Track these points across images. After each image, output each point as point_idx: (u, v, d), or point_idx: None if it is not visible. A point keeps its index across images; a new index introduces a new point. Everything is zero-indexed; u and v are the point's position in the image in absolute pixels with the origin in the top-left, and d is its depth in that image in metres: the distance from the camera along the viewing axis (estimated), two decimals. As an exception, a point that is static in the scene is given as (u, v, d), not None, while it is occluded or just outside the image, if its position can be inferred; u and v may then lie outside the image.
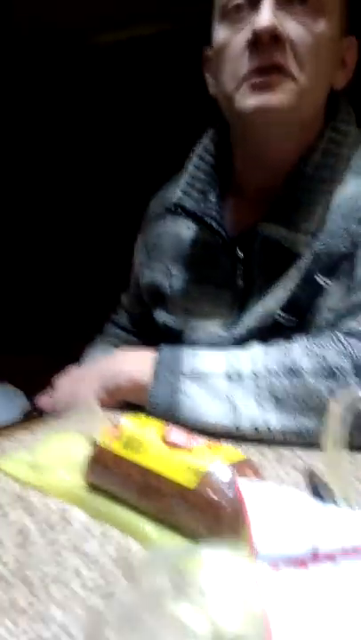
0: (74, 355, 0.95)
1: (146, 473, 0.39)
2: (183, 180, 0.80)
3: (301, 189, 0.70)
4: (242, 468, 0.38)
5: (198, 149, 0.82)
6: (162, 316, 0.86)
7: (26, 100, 1.84)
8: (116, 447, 0.42)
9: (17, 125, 1.83)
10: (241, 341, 0.72)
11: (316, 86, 0.69)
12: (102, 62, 1.63)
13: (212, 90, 0.77)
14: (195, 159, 0.81)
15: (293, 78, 0.65)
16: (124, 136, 1.73)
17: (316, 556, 0.23)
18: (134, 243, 0.97)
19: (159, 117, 1.50)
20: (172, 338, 0.82)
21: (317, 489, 0.36)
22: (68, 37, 1.61)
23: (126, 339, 1.00)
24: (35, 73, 1.77)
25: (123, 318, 1.03)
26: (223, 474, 0.37)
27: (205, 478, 0.37)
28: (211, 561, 0.27)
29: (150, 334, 0.91)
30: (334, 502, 0.31)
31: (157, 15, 1.36)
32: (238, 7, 0.66)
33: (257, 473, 0.38)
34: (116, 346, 0.98)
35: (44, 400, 0.75)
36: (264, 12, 0.63)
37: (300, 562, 0.24)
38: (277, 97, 0.65)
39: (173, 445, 0.40)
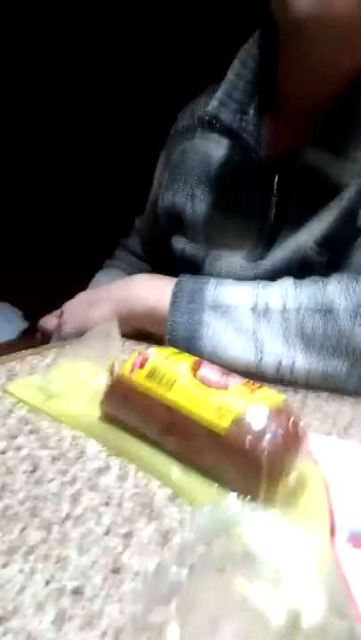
0: (78, 274, 0.90)
1: (171, 409, 0.36)
2: (222, 88, 0.72)
3: (353, 116, 0.63)
4: (281, 414, 0.34)
5: (242, 55, 0.73)
6: (180, 243, 0.80)
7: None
8: (139, 377, 0.38)
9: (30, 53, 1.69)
10: (266, 276, 0.67)
11: None
12: None
13: None
14: (237, 66, 0.72)
15: None
16: (146, 60, 1.59)
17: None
18: (150, 165, 0.90)
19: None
20: (190, 268, 0.77)
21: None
22: None
23: (137, 265, 0.95)
24: None
25: (135, 243, 0.98)
26: (259, 419, 0.33)
27: (241, 422, 0.33)
28: (280, 532, 0.23)
29: (164, 263, 0.85)
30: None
31: None
32: None
33: (297, 423, 0.35)
34: (127, 272, 0.93)
35: (49, 321, 0.72)
36: None
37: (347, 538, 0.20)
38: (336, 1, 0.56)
39: (205, 381, 0.36)
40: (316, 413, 0.49)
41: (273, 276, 0.66)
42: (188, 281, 0.60)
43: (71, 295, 0.69)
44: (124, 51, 1.68)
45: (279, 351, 0.53)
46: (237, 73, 0.72)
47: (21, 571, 0.27)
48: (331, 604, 0.17)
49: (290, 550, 0.20)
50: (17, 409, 0.43)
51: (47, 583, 0.26)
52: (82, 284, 0.88)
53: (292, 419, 0.34)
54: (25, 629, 0.24)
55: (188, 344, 0.55)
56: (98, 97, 1.76)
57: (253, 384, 0.36)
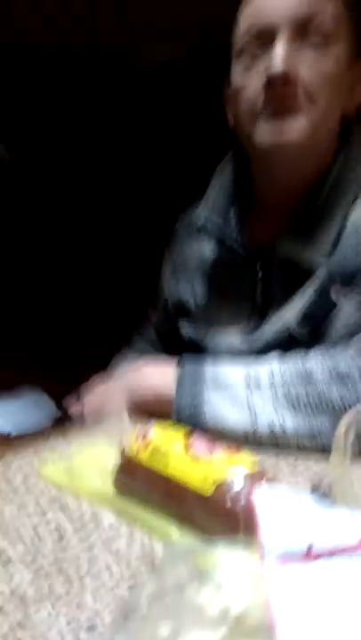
0: (97, 363, 1.01)
1: (168, 481, 0.44)
2: (205, 204, 0.86)
3: (317, 210, 0.75)
4: (256, 477, 0.42)
5: (217, 175, 0.88)
6: (186, 329, 0.91)
7: (41, 129, 1.91)
8: (143, 457, 0.47)
9: (57, 144, 1.91)
10: (259, 353, 0.76)
11: (328, 118, 0.73)
12: (136, 82, 1.70)
13: (231, 123, 0.82)
14: (216, 184, 0.87)
15: (305, 115, 0.70)
16: (151, 155, 1.79)
17: (313, 553, 0.27)
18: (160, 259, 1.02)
19: (184, 136, 1.56)
20: (195, 349, 0.87)
21: (320, 495, 0.40)
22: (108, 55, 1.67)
23: (152, 351, 1.06)
24: (75, 88, 1.83)
25: (150, 331, 1.09)
26: (238, 483, 0.41)
27: (221, 487, 0.41)
28: (225, 556, 0.31)
29: (175, 347, 0.96)
30: (333, 507, 0.34)
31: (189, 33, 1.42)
32: (253, 51, 0.71)
33: (270, 479, 0.42)
34: (143, 356, 1.03)
35: (73, 407, 0.81)
36: (277, 59, 0.68)
37: (300, 557, 0.28)
38: (291, 133, 0.70)
39: (195, 456, 0.45)
40: (307, 472, 0.55)
41: (265, 349, 0.76)
42: (189, 364, 0.69)
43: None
44: (138, 159, 1.87)
45: (271, 417, 0.61)
46: (216, 190, 0.86)
47: (49, 614, 0.35)
48: (256, 602, 0.24)
49: (231, 568, 0.28)
50: (48, 490, 0.52)
51: (68, 623, 0.34)
52: (103, 367, 0.99)
53: (265, 477, 0.42)
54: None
55: (194, 421, 0.63)
56: (113, 198, 1.94)
57: (234, 451, 0.45)
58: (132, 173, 1.88)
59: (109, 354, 1.08)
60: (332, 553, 0.27)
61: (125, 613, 0.30)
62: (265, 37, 0.70)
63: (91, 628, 0.33)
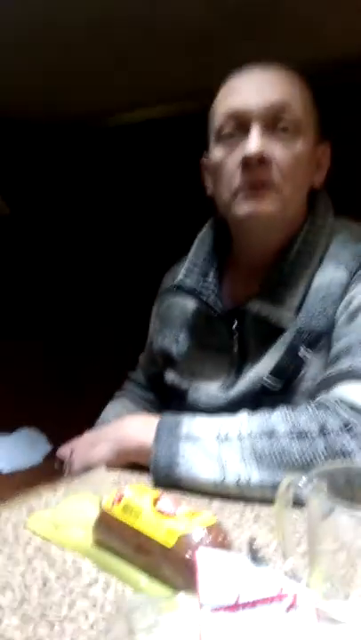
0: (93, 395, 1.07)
1: (138, 534, 0.51)
2: (186, 263, 0.95)
3: (285, 272, 0.83)
4: (212, 531, 0.49)
5: (198, 239, 0.96)
6: (170, 377, 0.99)
7: (39, 184, 2.02)
8: (116, 511, 0.53)
9: (34, 208, 2.00)
10: (235, 402, 0.84)
11: (298, 193, 0.83)
12: (112, 144, 1.81)
13: (209, 192, 0.91)
14: (195, 247, 0.96)
15: (278, 190, 0.79)
16: (137, 215, 1.88)
17: (240, 604, 0.34)
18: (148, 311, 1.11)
19: (170, 197, 1.66)
20: (177, 396, 0.95)
21: (254, 553, 0.47)
22: (80, 121, 1.79)
23: (141, 395, 1.13)
24: (51, 157, 1.94)
25: (139, 376, 1.16)
26: (196, 536, 0.48)
27: (181, 540, 0.48)
28: (179, 605, 0.38)
29: (163, 391, 1.03)
30: (265, 564, 0.41)
31: (168, 98, 1.53)
32: (231, 133, 0.81)
33: (225, 537, 0.49)
34: (133, 401, 1.11)
35: (64, 452, 0.87)
36: (253, 141, 0.77)
37: (229, 607, 0.35)
38: (265, 206, 0.79)
39: (161, 512, 0.51)
40: (266, 526, 0.62)
41: (240, 402, 0.83)
42: (167, 419, 0.76)
43: (87, 417, 0.84)
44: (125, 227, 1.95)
45: (238, 470, 0.67)
46: (196, 251, 0.95)
47: (32, 655, 0.41)
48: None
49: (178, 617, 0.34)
50: (33, 539, 0.58)
51: (48, 662, 0.40)
52: (96, 405, 1.06)
53: (222, 534, 0.49)
54: None
55: (168, 472, 0.70)
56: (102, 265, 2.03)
57: (196, 511, 0.51)
58: (121, 231, 1.97)
59: (104, 390, 1.15)
60: (255, 603, 0.34)
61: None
62: (242, 122, 0.80)
63: (66, 667, 0.40)
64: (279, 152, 0.79)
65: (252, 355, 0.85)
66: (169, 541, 0.48)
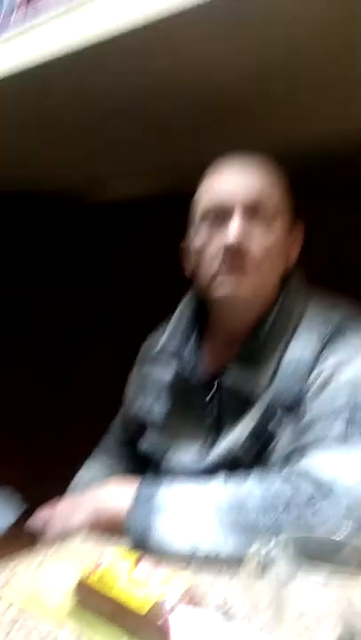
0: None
1: (113, 603, 0.53)
2: (167, 329, 1.00)
3: (258, 347, 0.89)
4: (186, 596, 0.52)
5: (181, 307, 1.02)
6: (144, 445, 1.01)
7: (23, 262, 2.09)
8: (92, 581, 0.56)
9: (16, 287, 2.06)
10: (209, 469, 0.87)
11: (272, 274, 0.91)
12: (98, 223, 1.91)
13: (188, 274, 0.98)
14: (177, 315, 1.01)
15: (253, 275, 0.87)
16: (120, 292, 1.96)
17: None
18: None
19: (152, 275, 1.75)
20: (151, 462, 0.98)
21: (227, 610, 0.50)
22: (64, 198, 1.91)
23: (112, 463, 1.14)
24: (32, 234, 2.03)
25: (112, 443, 1.18)
26: (169, 603, 0.51)
27: (154, 607, 0.51)
28: None
29: (136, 459, 1.06)
30: (236, 620, 0.44)
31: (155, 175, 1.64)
32: (212, 221, 0.90)
33: (196, 601, 0.52)
34: (105, 467, 1.11)
35: (38, 521, 0.88)
36: (232, 233, 0.86)
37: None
38: (242, 289, 0.87)
39: (136, 580, 0.54)
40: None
41: (214, 469, 0.86)
42: (143, 488, 0.78)
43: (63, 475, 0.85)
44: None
45: (209, 542, 0.70)
46: (176, 322, 1.00)
47: None
48: None
49: None
50: (10, 610, 0.60)
51: None
52: (72, 464, 1.06)
53: (196, 598, 0.52)
54: None
55: (142, 542, 0.72)
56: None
57: (172, 574, 0.54)
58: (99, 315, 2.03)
59: (81, 449, 1.16)
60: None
61: None
62: (223, 213, 0.89)
63: None
64: (256, 241, 0.87)
65: (227, 425, 0.89)
66: (143, 609, 0.51)
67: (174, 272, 1.04)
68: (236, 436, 0.87)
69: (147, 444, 1.01)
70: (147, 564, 0.57)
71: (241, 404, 0.88)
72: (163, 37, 0.81)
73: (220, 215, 0.89)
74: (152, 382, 1.04)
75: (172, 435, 0.97)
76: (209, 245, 0.90)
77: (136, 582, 0.54)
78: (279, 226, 0.90)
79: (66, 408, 2.05)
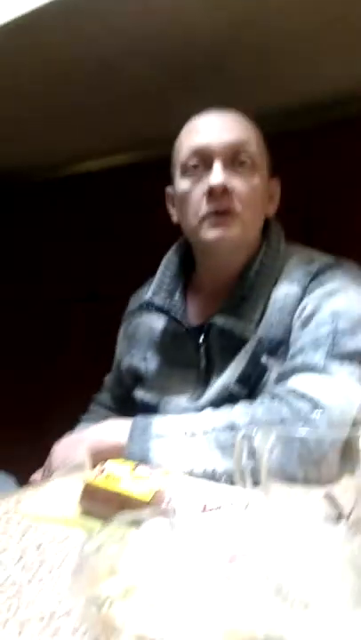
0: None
1: (119, 496, 0.59)
2: (153, 283, 1.05)
3: (246, 289, 0.94)
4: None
5: (165, 261, 1.07)
6: (140, 394, 1.06)
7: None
8: (99, 481, 0.61)
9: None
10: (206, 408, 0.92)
11: (256, 219, 0.96)
12: (75, 192, 1.94)
13: (175, 219, 1.03)
14: (162, 267, 1.06)
15: (239, 217, 0.92)
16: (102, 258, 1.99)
17: (207, 508, 0.43)
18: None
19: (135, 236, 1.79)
20: (148, 413, 1.03)
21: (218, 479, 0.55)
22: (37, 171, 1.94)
23: (107, 415, 1.19)
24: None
25: (106, 397, 1.23)
26: (171, 489, 0.56)
27: (157, 494, 0.56)
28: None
29: (129, 411, 1.11)
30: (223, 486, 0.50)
31: (129, 147, 1.68)
32: (196, 166, 0.94)
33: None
34: (101, 418, 1.16)
35: (38, 475, 0.93)
36: (216, 173, 0.91)
37: (199, 510, 0.43)
38: (229, 232, 0.92)
39: (138, 475, 0.60)
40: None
41: (210, 407, 0.91)
42: (139, 420, 0.84)
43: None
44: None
45: (204, 461, 0.75)
46: (163, 273, 1.05)
47: (39, 589, 0.48)
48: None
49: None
50: (24, 520, 0.65)
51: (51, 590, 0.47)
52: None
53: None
54: None
55: None
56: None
57: (166, 472, 0.60)
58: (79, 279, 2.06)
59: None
60: (220, 507, 0.43)
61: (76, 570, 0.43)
62: (205, 157, 0.93)
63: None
64: (239, 184, 0.92)
65: (218, 366, 0.94)
66: (147, 497, 0.57)
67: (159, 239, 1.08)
68: (227, 376, 0.92)
69: (141, 393, 1.06)
70: (144, 467, 0.63)
71: (230, 347, 0.93)
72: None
73: (202, 160, 0.93)
74: (142, 334, 1.08)
75: (164, 382, 1.02)
76: (193, 190, 0.94)
77: (138, 477, 0.59)
78: (259, 174, 0.95)
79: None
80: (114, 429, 0.85)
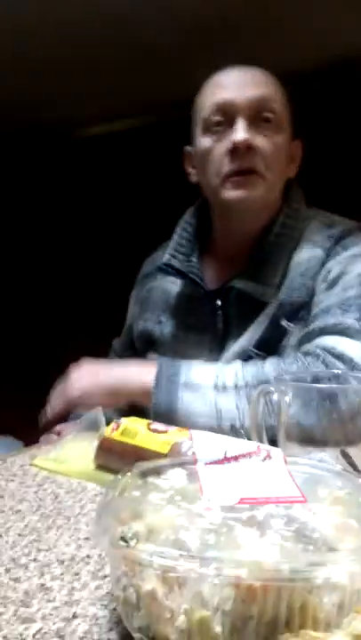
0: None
1: (136, 449, 0.59)
2: (170, 246, 1.02)
3: (267, 252, 0.91)
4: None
5: (182, 223, 1.04)
6: (153, 359, 1.05)
7: (20, 192, 2.11)
8: (116, 435, 0.62)
9: (14, 213, 2.08)
10: None
11: (278, 180, 0.92)
12: (87, 154, 1.91)
13: (193, 179, 1.00)
14: (179, 230, 1.03)
15: (263, 177, 0.88)
16: (114, 218, 1.98)
17: (227, 458, 0.43)
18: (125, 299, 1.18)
19: (146, 198, 1.76)
20: None
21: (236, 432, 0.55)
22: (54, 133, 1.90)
23: None
24: (24, 167, 2.03)
25: (113, 359, 1.22)
26: (186, 445, 0.57)
27: (174, 447, 0.56)
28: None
29: None
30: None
31: (141, 110, 1.64)
32: (218, 123, 0.89)
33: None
34: None
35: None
36: (240, 129, 0.86)
37: (219, 461, 0.43)
38: (252, 192, 0.88)
39: (155, 430, 0.60)
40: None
41: None
42: (165, 365, 0.81)
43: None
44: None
45: (233, 416, 0.74)
46: (180, 235, 1.02)
47: (56, 535, 0.48)
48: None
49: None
50: (40, 473, 0.66)
51: (70, 537, 0.48)
52: None
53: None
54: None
55: (168, 416, 0.75)
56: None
57: (181, 430, 0.60)
58: (94, 237, 2.05)
59: None
60: (238, 457, 0.43)
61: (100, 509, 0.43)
62: (228, 113, 0.88)
63: (85, 540, 0.48)
64: (262, 142, 0.88)
65: (235, 331, 0.92)
66: (164, 449, 0.57)
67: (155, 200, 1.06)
68: (246, 340, 0.89)
69: (156, 357, 1.04)
70: (160, 424, 0.63)
71: (249, 310, 0.90)
72: None
73: (225, 117, 0.89)
74: (157, 297, 1.05)
75: (178, 347, 0.98)
76: (215, 148, 0.90)
77: (155, 432, 0.59)
78: (282, 133, 0.91)
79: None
80: (138, 373, 0.82)
